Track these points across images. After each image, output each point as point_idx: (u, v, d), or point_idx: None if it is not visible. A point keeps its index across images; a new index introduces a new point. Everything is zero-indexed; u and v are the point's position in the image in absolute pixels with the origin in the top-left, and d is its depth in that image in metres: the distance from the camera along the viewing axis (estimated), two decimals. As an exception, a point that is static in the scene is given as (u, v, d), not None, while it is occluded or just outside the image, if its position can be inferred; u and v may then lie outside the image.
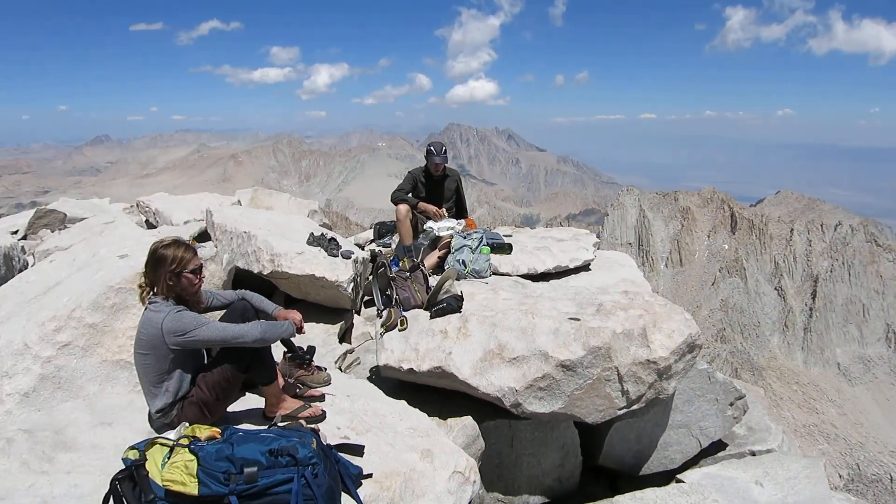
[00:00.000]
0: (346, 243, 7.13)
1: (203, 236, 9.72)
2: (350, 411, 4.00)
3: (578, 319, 4.61)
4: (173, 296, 3.51)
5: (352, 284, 6.31)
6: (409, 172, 7.48)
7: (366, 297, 7.32)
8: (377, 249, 8.11)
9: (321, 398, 4.08)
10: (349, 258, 6.50)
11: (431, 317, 5.00)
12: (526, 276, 6.58)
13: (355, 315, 6.87)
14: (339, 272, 6.21)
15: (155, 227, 12.07)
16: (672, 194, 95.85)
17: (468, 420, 4.64)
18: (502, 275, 6.54)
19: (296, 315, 3.81)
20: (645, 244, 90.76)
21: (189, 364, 3.53)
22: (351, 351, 6.20)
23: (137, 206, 13.79)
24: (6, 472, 3.15)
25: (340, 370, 5.66)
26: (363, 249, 8.09)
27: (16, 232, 11.67)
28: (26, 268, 7.92)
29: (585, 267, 7.17)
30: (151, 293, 3.53)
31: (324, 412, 3.85)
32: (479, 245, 6.29)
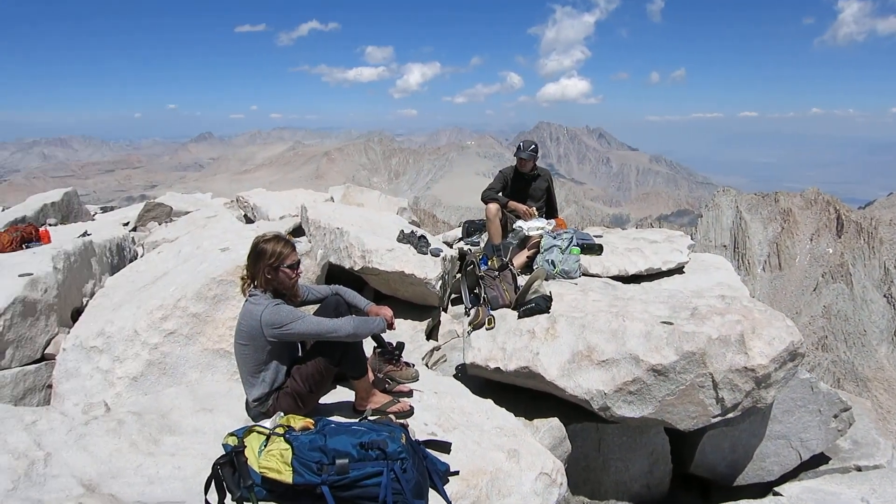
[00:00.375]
0: (434, 241, 7.21)
1: (297, 231, 10.07)
2: (437, 408, 4.05)
3: (671, 323, 4.48)
4: (271, 289, 3.64)
5: (440, 282, 6.38)
6: (500, 171, 7.46)
7: (453, 295, 7.38)
8: (466, 248, 8.15)
9: (409, 394, 4.15)
10: (438, 256, 6.57)
11: (519, 316, 4.99)
12: (616, 278, 6.44)
13: (442, 313, 6.95)
14: (428, 270, 6.30)
15: (253, 221, 12.55)
16: (772, 195, 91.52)
17: (555, 422, 4.60)
18: (592, 276, 6.43)
19: (387, 311, 3.89)
20: (741, 247, 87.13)
21: (285, 356, 3.66)
22: (438, 348, 6.27)
23: (237, 200, 14.36)
24: (117, 452, 3.36)
25: (427, 366, 5.73)
26: (451, 248, 8.16)
27: (127, 223, 12.45)
28: (136, 258, 8.41)
29: (679, 269, 6.95)
30: (252, 286, 3.68)
31: (412, 408, 3.91)
32: (568, 245, 6.22)
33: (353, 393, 3.87)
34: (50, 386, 5.00)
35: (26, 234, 6.74)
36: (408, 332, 6.36)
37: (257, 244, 3.64)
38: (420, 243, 6.67)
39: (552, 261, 6.14)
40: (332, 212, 7.86)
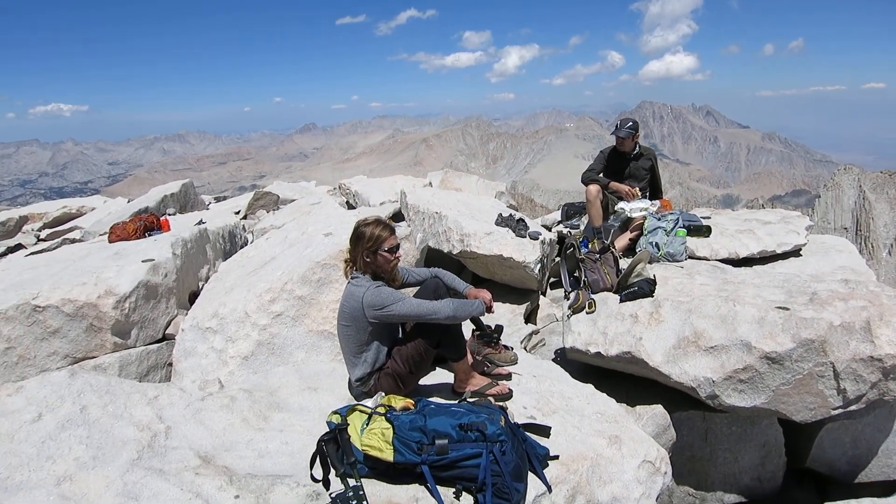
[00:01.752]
0: (533, 224, 7.12)
1: (397, 216, 10.24)
2: (536, 392, 4.00)
3: (787, 309, 4.20)
4: (370, 272, 3.70)
5: (539, 265, 6.30)
6: (600, 152, 7.22)
7: (552, 279, 7.28)
8: (565, 231, 8.01)
9: (508, 377, 4.13)
10: (537, 239, 6.49)
11: (621, 300, 4.84)
12: (726, 261, 6.11)
13: (541, 296, 6.87)
14: (527, 253, 6.23)
15: (354, 207, 12.91)
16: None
17: (658, 409, 4.46)
18: (699, 259, 6.16)
19: (486, 294, 3.87)
20: (864, 229, 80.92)
21: (386, 337, 3.71)
22: (536, 332, 6.20)
23: (339, 188, 14.80)
24: (230, 426, 3.52)
25: (525, 350, 5.69)
26: (550, 231, 8.04)
27: (238, 212, 13.10)
28: (247, 244, 8.83)
29: (796, 252, 6.50)
30: (354, 269, 3.75)
31: (510, 391, 3.89)
32: (674, 227, 5.97)
33: (453, 375, 3.89)
34: (170, 364, 5.31)
35: (149, 223, 7.21)
36: (506, 315, 6.34)
37: (358, 228, 3.70)
38: (518, 226, 6.61)
39: (656, 243, 5.92)
40: (430, 196, 7.93)
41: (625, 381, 4.82)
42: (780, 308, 4.23)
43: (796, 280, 4.91)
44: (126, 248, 6.37)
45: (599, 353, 4.61)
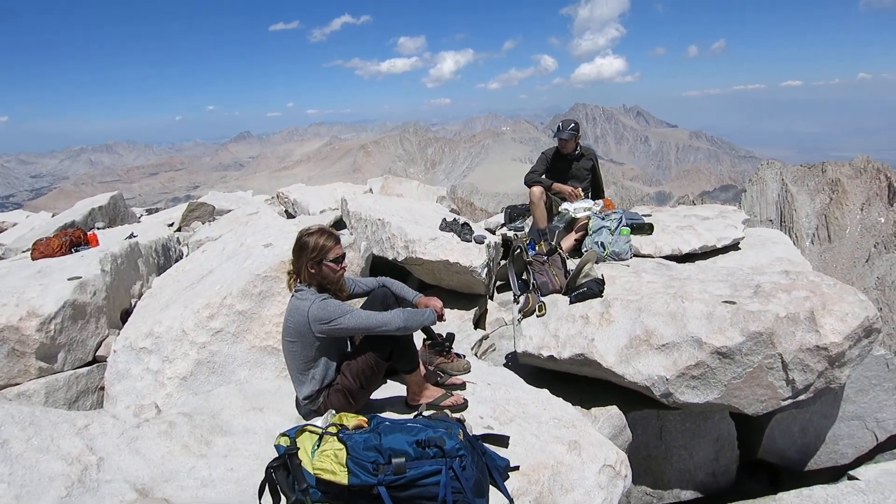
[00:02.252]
0: (477, 228, 7.06)
1: (339, 224, 10.03)
2: (492, 400, 3.88)
3: (734, 303, 4.24)
4: (315, 283, 3.53)
5: (486, 269, 6.23)
6: (542, 153, 7.21)
7: (498, 282, 7.23)
8: (510, 234, 7.98)
9: (462, 386, 4.00)
10: (482, 243, 6.42)
11: (571, 302, 4.80)
12: (669, 258, 6.17)
13: (489, 301, 6.80)
14: (473, 257, 6.15)
15: (294, 216, 12.61)
16: (819, 166, 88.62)
17: (614, 410, 4.42)
18: (644, 256, 6.20)
19: (437, 302, 3.75)
20: (788, 220, 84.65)
21: (334, 352, 3.55)
22: (486, 337, 6.13)
23: (277, 197, 14.48)
24: (169, 455, 3.30)
25: (476, 356, 5.60)
26: (494, 234, 7.99)
27: (171, 224, 12.63)
28: (181, 257, 8.48)
29: (734, 246, 6.64)
30: (297, 281, 3.57)
31: (465, 401, 3.76)
32: (618, 226, 6.00)
33: (405, 388, 3.74)
34: (102, 388, 5.00)
35: (75, 239, 6.83)
36: (455, 321, 6.24)
37: (300, 238, 3.52)
38: (464, 231, 6.53)
39: (602, 242, 5.92)
40: (372, 203, 7.77)
41: (578, 382, 4.78)
42: (726, 302, 4.27)
43: (739, 273, 4.98)
44: (50, 266, 5.99)
45: (552, 356, 4.55)
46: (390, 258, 6.60)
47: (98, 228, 9.80)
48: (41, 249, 6.56)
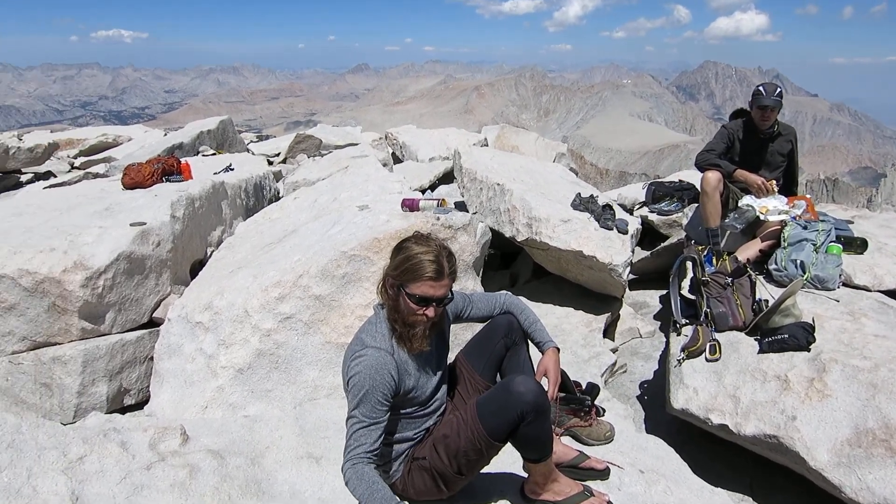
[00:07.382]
0: (618, 210, 5.66)
1: (447, 177, 8.89)
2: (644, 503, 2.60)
3: None
4: (388, 308, 2.33)
5: (627, 268, 4.85)
6: (722, 127, 5.38)
7: (631, 276, 5.81)
8: (655, 218, 6.54)
9: (604, 474, 2.66)
10: (626, 233, 5.05)
11: (762, 350, 3.37)
12: (891, 294, 4.22)
13: (623, 304, 5.43)
14: (615, 252, 4.76)
15: (401, 160, 11.75)
16: (983, 157, 78.88)
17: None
18: (857, 288, 4.25)
19: (552, 380, 2.51)
20: (934, 214, 76.42)
21: (415, 403, 2.38)
22: (615, 350, 4.88)
23: (386, 137, 13.71)
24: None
25: (604, 384, 4.31)
26: (632, 215, 6.54)
27: (278, 154, 12.14)
28: (277, 198, 7.64)
29: None
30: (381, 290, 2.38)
31: (610, 504, 2.49)
32: (825, 240, 4.25)
33: (522, 464, 2.44)
34: (152, 358, 4.19)
35: (168, 167, 6.23)
36: (580, 330, 4.92)
37: (402, 242, 2.30)
38: (605, 214, 5.14)
39: (801, 262, 4.17)
40: (489, 161, 6.42)
41: (747, 452, 3.41)
42: None
43: None
44: (120, 203, 5.16)
45: (726, 426, 3.19)
46: (507, 235, 5.33)
47: (205, 154, 9.49)
48: (132, 175, 5.93)
